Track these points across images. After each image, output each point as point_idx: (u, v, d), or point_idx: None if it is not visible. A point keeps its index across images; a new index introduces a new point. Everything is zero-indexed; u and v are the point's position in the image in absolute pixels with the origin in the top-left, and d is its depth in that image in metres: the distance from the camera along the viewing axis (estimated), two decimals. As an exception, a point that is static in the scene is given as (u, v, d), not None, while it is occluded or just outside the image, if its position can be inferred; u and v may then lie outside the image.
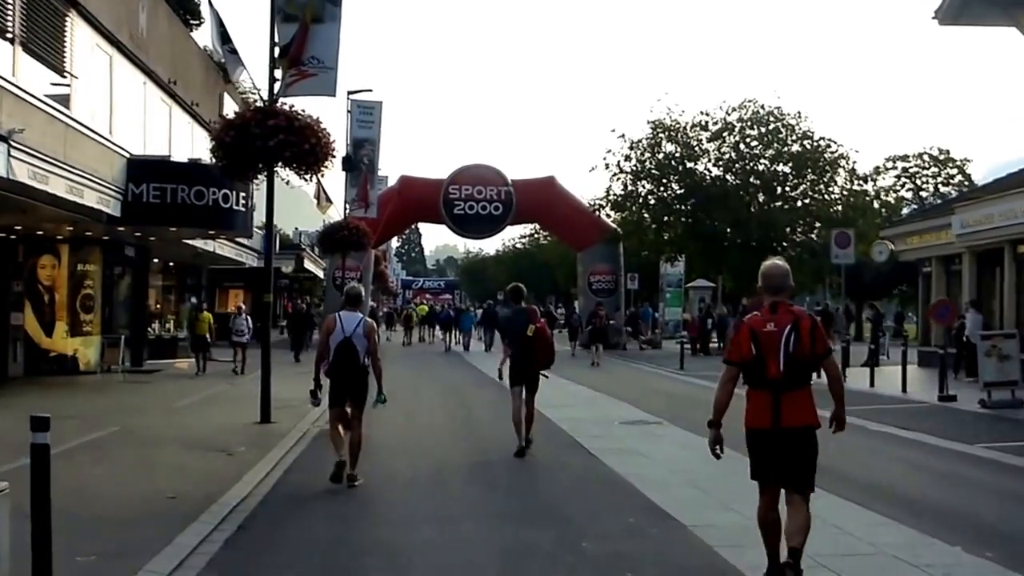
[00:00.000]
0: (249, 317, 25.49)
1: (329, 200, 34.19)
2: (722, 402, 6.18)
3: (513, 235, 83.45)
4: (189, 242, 26.36)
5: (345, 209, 30.38)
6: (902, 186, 53.30)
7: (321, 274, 48.41)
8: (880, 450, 12.88)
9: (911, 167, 53.71)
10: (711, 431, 6.24)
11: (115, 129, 21.28)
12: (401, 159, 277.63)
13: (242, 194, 22.22)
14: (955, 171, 53.42)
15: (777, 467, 6.05)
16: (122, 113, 22.18)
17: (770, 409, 5.96)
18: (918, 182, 53.80)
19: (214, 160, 14.85)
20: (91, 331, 24.17)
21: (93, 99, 20.24)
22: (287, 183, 15.49)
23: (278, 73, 15.16)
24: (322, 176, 15.05)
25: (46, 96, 16.80)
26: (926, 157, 53.67)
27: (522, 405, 12.27)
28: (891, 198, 46.72)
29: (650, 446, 12.95)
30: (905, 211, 47.44)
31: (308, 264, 48.17)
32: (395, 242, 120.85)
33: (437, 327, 48.64)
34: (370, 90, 37.91)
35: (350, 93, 31.51)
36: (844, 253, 26.44)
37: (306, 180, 15.12)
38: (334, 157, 14.84)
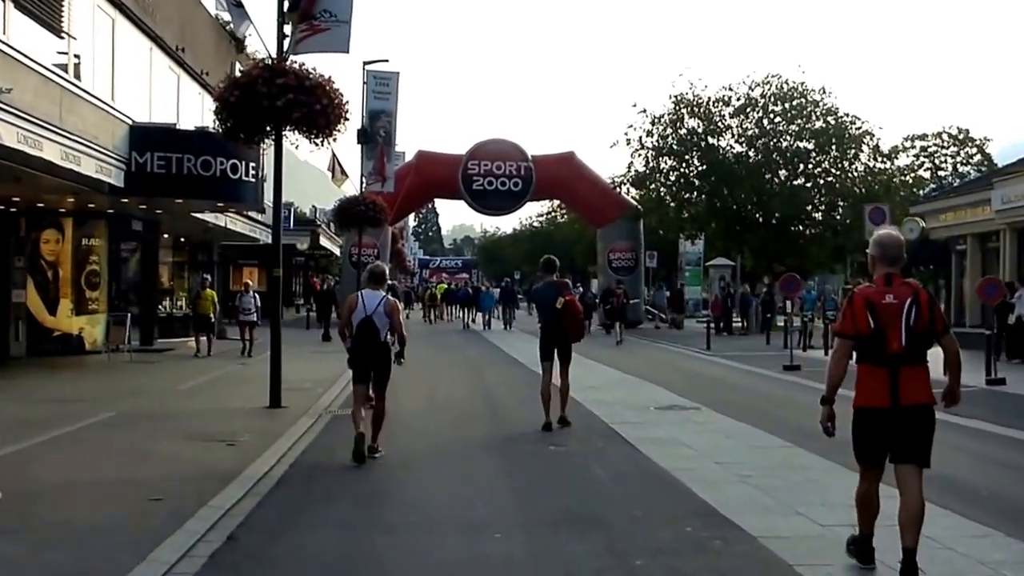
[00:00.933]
0: (257, 295, 24.52)
1: (344, 173, 33.11)
2: (837, 377, 5.96)
3: (530, 213, 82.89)
4: (199, 216, 25.36)
5: (361, 183, 29.48)
6: (920, 165, 52.15)
7: (337, 251, 47.54)
8: (939, 438, 11.74)
9: (929, 146, 52.56)
10: (824, 408, 6.00)
11: (118, 96, 20.24)
12: (418, 134, 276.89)
13: (252, 164, 21.13)
14: (974, 150, 52.23)
15: (892, 446, 5.81)
16: (126, 79, 21.09)
17: (888, 386, 5.72)
18: (936, 161, 52.61)
19: (217, 122, 13.76)
20: (97, 309, 23.37)
21: (94, 63, 19.20)
22: (296, 147, 14.40)
23: (287, 29, 14.07)
24: (334, 141, 13.96)
25: (42, 58, 15.79)
26: (945, 136, 52.53)
27: (551, 379, 12.16)
28: (909, 178, 45.61)
29: (692, 435, 11.86)
30: (924, 191, 46.33)
31: (324, 241, 47.33)
32: (412, 220, 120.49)
33: (456, 306, 48.90)
34: (387, 60, 37.32)
35: (366, 63, 30.71)
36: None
37: (317, 146, 14.00)
38: (347, 120, 13.70)
